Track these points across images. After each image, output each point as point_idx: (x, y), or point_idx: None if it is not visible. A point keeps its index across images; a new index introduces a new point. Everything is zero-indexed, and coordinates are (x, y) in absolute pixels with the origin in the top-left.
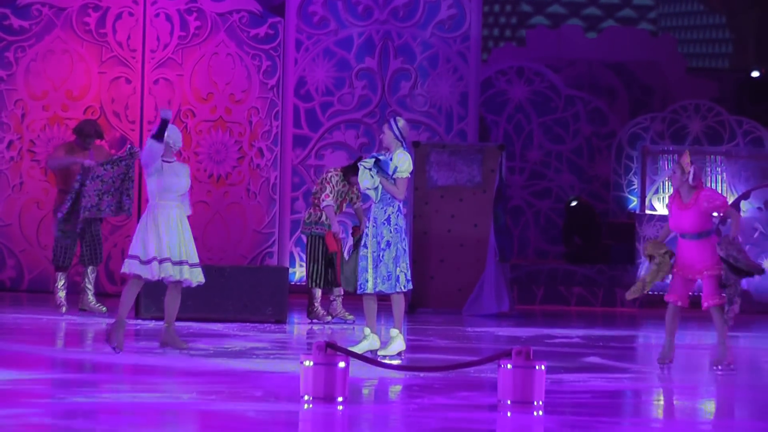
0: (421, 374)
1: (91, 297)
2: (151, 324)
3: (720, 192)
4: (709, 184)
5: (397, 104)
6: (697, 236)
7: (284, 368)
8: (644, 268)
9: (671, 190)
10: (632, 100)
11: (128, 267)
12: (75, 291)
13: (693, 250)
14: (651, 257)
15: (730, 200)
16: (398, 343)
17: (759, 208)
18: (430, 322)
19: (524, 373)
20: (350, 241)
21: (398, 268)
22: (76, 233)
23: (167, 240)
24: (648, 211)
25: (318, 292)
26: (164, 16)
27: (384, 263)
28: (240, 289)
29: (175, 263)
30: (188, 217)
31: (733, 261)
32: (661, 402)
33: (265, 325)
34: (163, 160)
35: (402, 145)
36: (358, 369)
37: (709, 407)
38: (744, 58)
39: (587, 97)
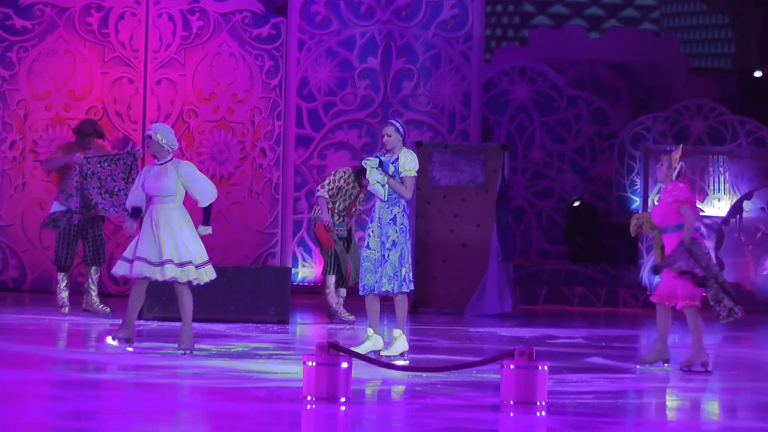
0: (424, 374)
1: (94, 297)
2: (154, 324)
3: (687, 188)
4: (711, 185)
5: (400, 104)
6: (667, 230)
7: (287, 369)
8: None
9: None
10: (635, 100)
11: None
12: (78, 291)
13: (670, 244)
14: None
15: (733, 200)
16: (401, 343)
17: (762, 208)
18: (432, 322)
19: (527, 373)
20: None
21: (404, 268)
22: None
23: (164, 242)
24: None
25: (331, 280)
26: (167, 16)
27: (390, 263)
28: (243, 289)
29: (177, 265)
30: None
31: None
32: (664, 402)
33: (268, 325)
34: (157, 163)
35: (404, 145)
36: (360, 369)
37: (712, 408)
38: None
39: (590, 97)
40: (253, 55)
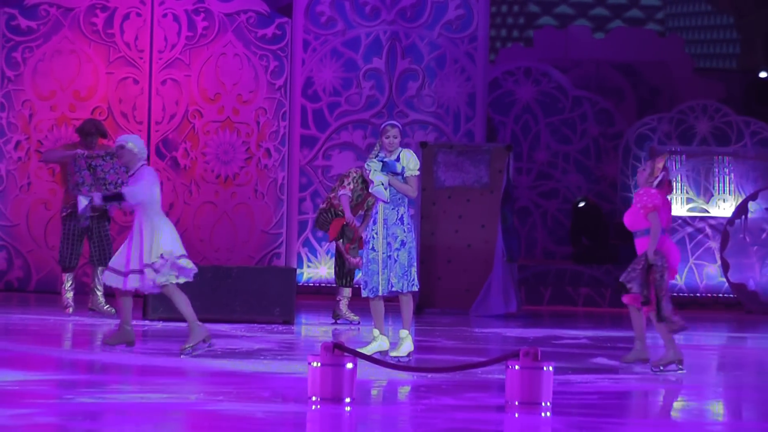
0: (429, 375)
1: (100, 298)
2: (159, 325)
3: (655, 195)
4: (716, 185)
5: (405, 105)
6: (637, 234)
7: (292, 369)
8: None
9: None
10: (639, 101)
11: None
12: (83, 292)
13: (639, 249)
14: None
15: (738, 201)
16: (408, 344)
17: (767, 209)
18: (437, 322)
19: (532, 374)
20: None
21: (413, 268)
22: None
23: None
24: None
25: (346, 292)
26: (172, 17)
27: (399, 263)
28: (247, 289)
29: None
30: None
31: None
32: (669, 403)
33: (273, 326)
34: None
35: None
36: (365, 370)
37: (716, 408)
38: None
39: (594, 97)
40: (258, 56)
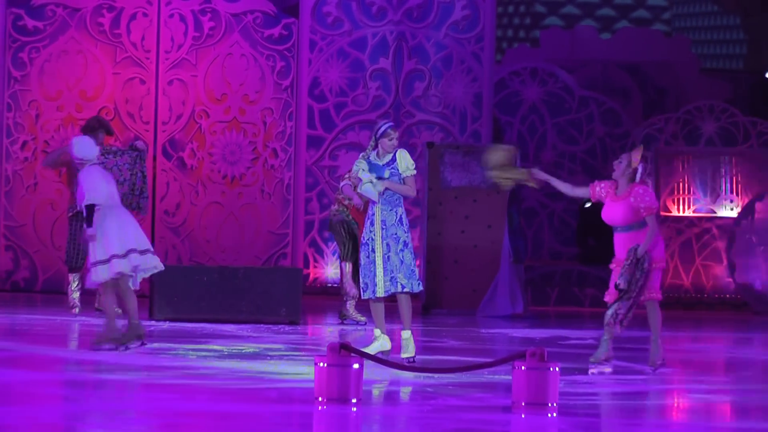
0: (435, 375)
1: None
2: (165, 325)
3: (654, 196)
4: (723, 186)
5: (411, 105)
6: (627, 228)
7: (298, 370)
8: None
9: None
10: (646, 101)
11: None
12: (89, 292)
13: (622, 243)
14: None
15: (744, 202)
16: (413, 344)
17: None
18: (443, 323)
19: (538, 374)
20: None
21: (416, 267)
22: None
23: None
24: (662, 213)
25: (348, 267)
26: (178, 17)
27: (405, 264)
28: (254, 290)
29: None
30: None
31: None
32: (676, 403)
33: (279, 326)
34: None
35: None
36: (371, 370)
37: (723, 409)
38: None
39: (601, 98)
40: (264, 56)
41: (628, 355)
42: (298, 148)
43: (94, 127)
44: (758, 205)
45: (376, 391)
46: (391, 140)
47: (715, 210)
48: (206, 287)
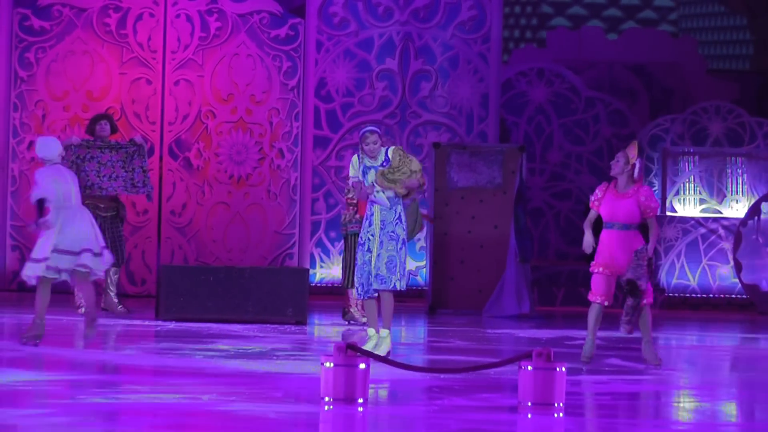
0: (441, 376)
1: (113, 298)
2: (171, 325)
3: (655, 197)
4: (729, 186)
5: (418, 105)
6: (627, 227)
7: (305, 369)
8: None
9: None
10: (652, 102)
11: None
12: (96, 292)
13: (618, 241)
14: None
15: (751, 202)
16: (388, 343)
17: None
18: (450, 323)
19: (545, 374)
20: None
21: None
22: None
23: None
24: (668, 213)
25: (354, 293)
26: (185, 17)
27: (400, 261)
28: (260, 290)
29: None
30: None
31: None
32: (682, 404)
33: (286, 326)
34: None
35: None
36: (378, 370)
37: (729, 409)
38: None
39: (607, 98)
40: (271, 56)
41: (635, 356)
42: (304, 148)
43: (96, 118)
44: (765, 206)
45: (383, 392)
46: (368, 145)
47: (722, 210)
48: (212, 287)
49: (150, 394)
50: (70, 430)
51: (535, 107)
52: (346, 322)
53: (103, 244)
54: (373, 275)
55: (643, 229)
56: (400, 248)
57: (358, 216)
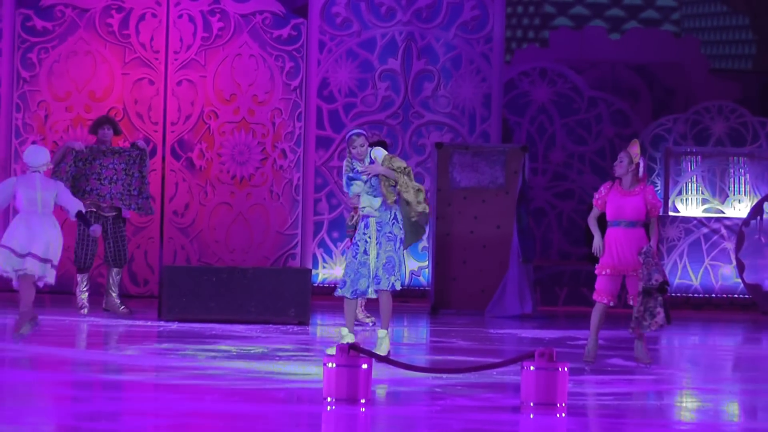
0: (444, 376)
1: (115, 298)
2: (174, 325)
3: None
4: (731, 186)
5: (420, 105)
6: (633, 224)
7: (307, 370)
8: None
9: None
10: (655, 102)
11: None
12: (98, 292)
13: (624, 238)
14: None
15: (753, 202)
16: (387, 343)
17: None
18: (452, 323)
19: (547, 374)
20: None
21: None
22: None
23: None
24: (671, 213)
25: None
26: (187, 18)
27: (397, 261)
28: (263, 290)
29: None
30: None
31: (646, 276)
32: (684, 404)
33: (288, 326)
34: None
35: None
36: (380, 371)
37: (732, 409)
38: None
39: (610, 98)
40: (273, 56)
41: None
42: (306, 148)
43: (101, 122)
44: (767, 205)
45: (385, 392)
46: (355, 148)
47: (724, 210)
48: (215, 288)
49: (152, 395)
50: (72, 430)
51: (538, 107)
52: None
53: (55, 262)
54: (371, 277)
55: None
56: (398, 248)
57: None
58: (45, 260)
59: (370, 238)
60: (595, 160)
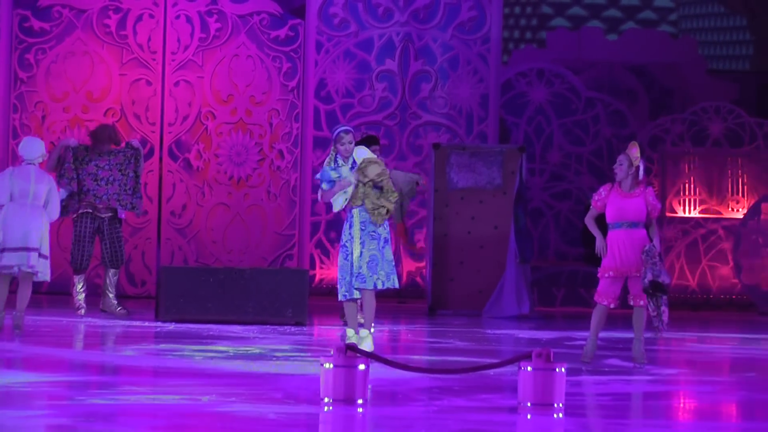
0: (441, 376)
1: (112, 299)
2: (171, 326)
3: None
4: (729, 187)
5: (418, 106)
6: (634, 225)
7: (304, 370)
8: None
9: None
10: (652, 102)
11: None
12: (95, 293)
13: (627, 240)
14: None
15: (751, 203)
16: (369, 343)
17: None
18: (449, 323)
19: (544, 375)
20: None
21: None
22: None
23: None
24: (668, 214)
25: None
26: (185, 18)
27: (386, 260)
28: (260, 291)
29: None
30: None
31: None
32: (682, 404)
33: (285, 327)
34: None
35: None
36: (377, 371)
37: (729, 410)
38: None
39: (607, 99)
40: (271, 57)
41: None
42: (304, 149)
43: (103, 139)
44: (764, 206)
45: (382, 392)
46: (343, 144)
47: (722, 211)
48: (212, 288)
49: (150, 395)
50: (69, 431)
51: (535, 108)
52: (345, 323)
53: (47, 254)
54: (354, 275)
55: None
56: (383, 247)
57: None
58: (44, 256)
59: (353, 237)
60: (593, 161)
